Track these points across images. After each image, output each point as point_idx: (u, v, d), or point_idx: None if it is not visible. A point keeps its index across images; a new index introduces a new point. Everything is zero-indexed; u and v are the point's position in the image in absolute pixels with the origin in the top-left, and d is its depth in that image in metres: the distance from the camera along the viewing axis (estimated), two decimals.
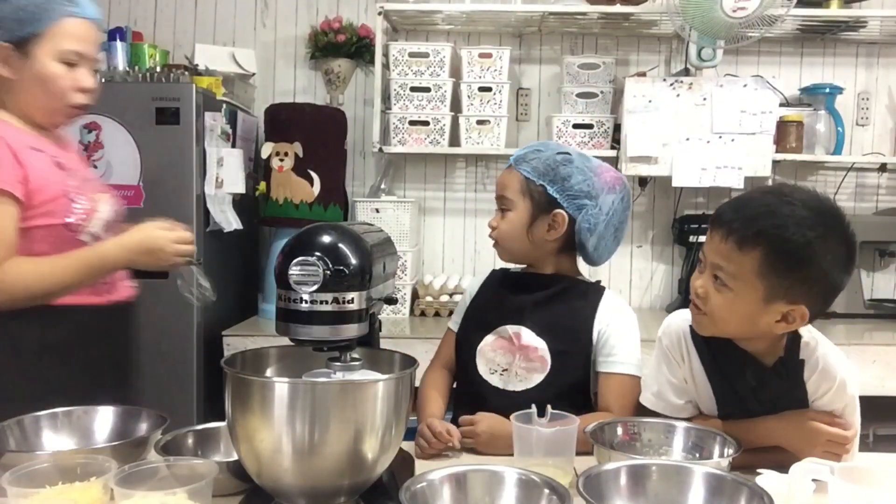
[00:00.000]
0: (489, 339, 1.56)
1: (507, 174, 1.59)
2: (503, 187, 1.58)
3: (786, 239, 1.16)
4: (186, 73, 2.68)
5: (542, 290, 1.57)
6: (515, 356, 1.53)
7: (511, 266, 1.67)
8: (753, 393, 1.32)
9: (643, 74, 2.96)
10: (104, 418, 1.27)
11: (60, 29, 1.51)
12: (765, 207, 1.19)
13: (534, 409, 1.26)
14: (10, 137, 1.47)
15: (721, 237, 1.21)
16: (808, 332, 1.31)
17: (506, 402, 1.44)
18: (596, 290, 1.60)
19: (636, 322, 1.61)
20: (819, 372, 1.29)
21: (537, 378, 1.52)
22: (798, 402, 1.31)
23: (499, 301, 1.60)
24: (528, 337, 1.53)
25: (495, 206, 1.61)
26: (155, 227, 1.55)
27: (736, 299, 1.21)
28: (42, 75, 1.51)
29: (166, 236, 1.53)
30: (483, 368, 1.56)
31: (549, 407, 1.26)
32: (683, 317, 1.40)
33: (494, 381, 1.55)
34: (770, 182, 3.05)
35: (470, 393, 1.56)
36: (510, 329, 1.54)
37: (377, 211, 2.83)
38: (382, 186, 3.08)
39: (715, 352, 1.34)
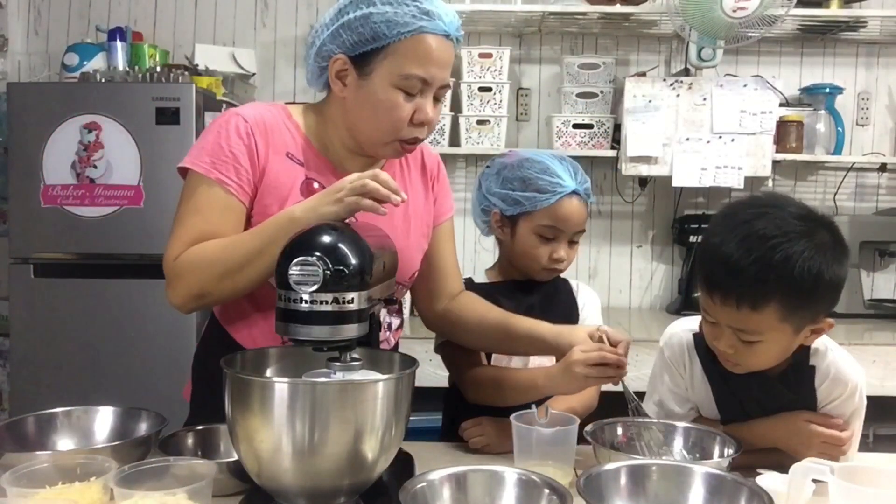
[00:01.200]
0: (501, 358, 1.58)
1: (581, 207, 1.58)
2: (585, 221, 1.59)
3: (794, 279, 1.14)
4: (186, 73, 2.69)
5: (532, 294, 1.61)
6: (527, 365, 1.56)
7: (472, 277, 1.67)
8: (759, 404, 1.32)
9: (643, 74, 2.96)
10: (104, 418, 1.27)
11: (408, 47, 1.23)
12: (758, 263, 1.14)
13: (534, 409, 1.26)
14: (264, 135, 1.29)
15: (730, 304, 1.17)
16: (819, 338, 1.30)
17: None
18: (564, 283, 1.67)
19: (599, 301, 1.71)
20: (831, 379, 1.29)
21: None
22: (805, 409, 1.31)
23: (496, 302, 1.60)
24: None
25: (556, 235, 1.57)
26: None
27: (769, 345, 1.21)
28: (376, 102, 1.26)
29: (348, 177, 1.20)
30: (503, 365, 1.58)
31: (547, 406, 1.26)
32: (685, 327, 1.40)
33: None
34: (770, 183, 3.06)
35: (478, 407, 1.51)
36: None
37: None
38: None
39: (719, 364, 1.32)
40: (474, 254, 3.19)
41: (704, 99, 2.79)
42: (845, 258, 1.19)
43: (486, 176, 1.65)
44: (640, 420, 1.34)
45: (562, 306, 1.64)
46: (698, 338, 1.36)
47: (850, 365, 1.31)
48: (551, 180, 1.54)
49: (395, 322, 1.46)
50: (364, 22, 1.23)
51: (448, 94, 2.86)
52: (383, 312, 1.37)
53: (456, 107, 2.94)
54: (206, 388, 1.39)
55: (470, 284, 1.62)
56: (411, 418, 1.08)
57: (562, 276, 1.66)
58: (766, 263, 1.14)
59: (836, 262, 1.17)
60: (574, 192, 1.55)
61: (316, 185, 1.32)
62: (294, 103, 1.41)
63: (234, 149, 1.27)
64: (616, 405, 1.38)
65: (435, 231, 1.49)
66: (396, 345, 1.50)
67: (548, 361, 1.50)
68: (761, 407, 1.32)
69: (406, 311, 2.85)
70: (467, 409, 1.51)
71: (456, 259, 1.54)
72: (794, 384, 1.30)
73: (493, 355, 1.58)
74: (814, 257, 1.14)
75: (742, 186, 2.81)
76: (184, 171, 1.31)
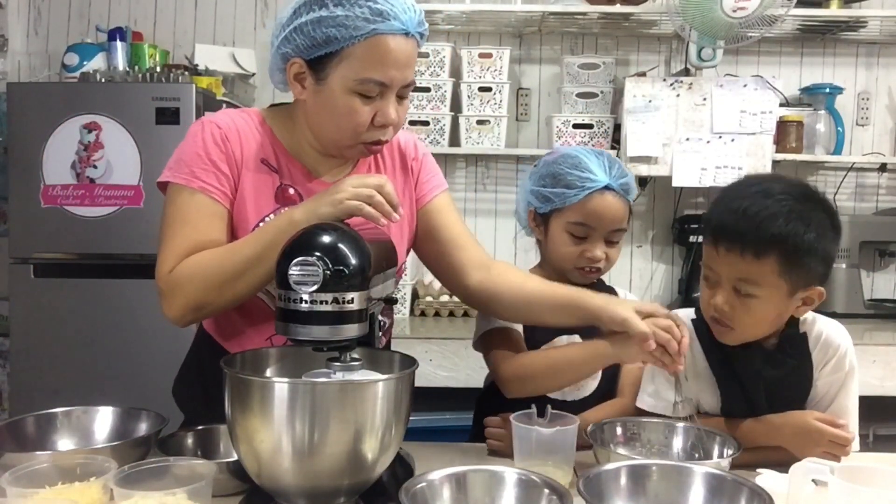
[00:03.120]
0: None
1: (617, 203, 1.50)
2: (622, 219, 1.51)
3: (796, 234, 1.23)
4: (186, 73, 2.69)
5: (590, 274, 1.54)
6: None
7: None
8: (760, 377, 1.33)
9: (643, 74, 2.96)
10: (104, 418, 1.27)
11: (364, 51, 1.19)
12: (764, 211, 1.23)
13: (534, 409, 1.26)
14: (237, 143, 1.28)
15: (734, 252, 1.25)
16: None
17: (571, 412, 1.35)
18: (609, 290, 1.62)
19: None
20: (822, 341, 1.35)
21: (592, 385, 1.51)
22: (804, 378, 1.34)
23: None
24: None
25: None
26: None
27: (764, 303, 1.27)
28: (333, 107, 1.23)
29: (351, 178, 1.19)
30: None
31: (548, 407, 1.26)
32: (685, 314, 1.40)
33: (553, 393, 1.48)
34: None
35: (523, 405, 1.39)
36: (565, 339, 1.50)
37: None
38: None
39: (719, 343, 1.35)
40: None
41: (704, 99, 2.79)
42: (838, 238, 1.29)
43: (530, 175, 1.59)
44: (639, 420, 1.34)
45: None
46: (697, 321, 1.39)
47: (837, 328, 1.38)
48: (581, 175, 1.48)
49: (386, 322, 1.46)
50: (316, 26, 1.19)
51: (448, 94, 2.88)
52: None
53: (456, 107, 2.94)
54: (196, 399, 1.38)
55: None
56: (413, 418, 1.08)
57: (607, 282, 1.61)
58: (772, 214, 1.23)
59: (830, 241, 1.27)
60: (607, 188, 1.48)
61: (291, 191, 1.31)
62: (267, 108, 1.39)
63: (213, 156, 1.26)
64: None
65: (429, 207, 1.44)
66: (388, 344, 1.49)
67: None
68: (763, 382, 1.34)
69: (405, 311, 2.86)
70: (503, 411, 1.48)
71: (466, 228, 1.47)
72: (791, 352, 1.34)
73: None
74: (811, 227, 1.24)
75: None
76: (163, 187, 1.30)
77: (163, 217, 1.29)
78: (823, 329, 1.37)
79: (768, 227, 1.22)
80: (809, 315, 1.36)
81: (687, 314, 1.40)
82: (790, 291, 1.27)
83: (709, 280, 1.32)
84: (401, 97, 1.26)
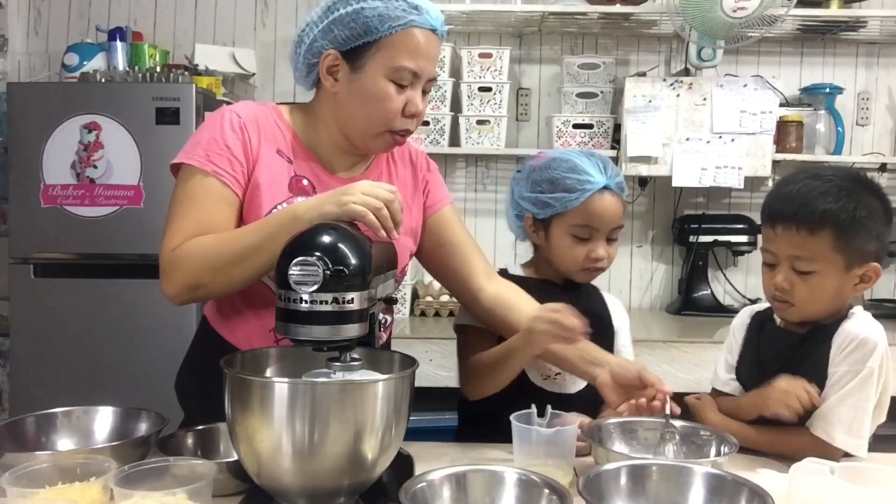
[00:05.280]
0: None
1: (615, 202, 1.54)
2: (621, 217, 1.55)
3: (846, 209, 1.30)
4: (186, 73, 2.69)
5: (564, 297, 1.54)
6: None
7: (508, 269, 1.64)
8: (780, 358, 1.39)
9: (643, 74, 2.96)
10: (104, 418, 1.27)
11: (399, 41, 1.26)
12: (815, 191, 1.32)
13: (533, 409, 1.26)
14: (255, 132, 1.31)
15: (790, 230, 1.33)
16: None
17: (566, 406, 1.37)
18: (594, 290, 1.66)
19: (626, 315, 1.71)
20: (845, 330, 1.35)
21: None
22: (821, 365, 1.34)
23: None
24: None
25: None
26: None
27: (822, 278, 1.33)
28: (368, 94, 1.28)
29: (363, 183, 1.21)
30: (535, 376, 1.54)
31: (549, 407, 1.26)
32: (752, 309, 1.53)
33: (549, 386, 1.53)
34: (770, 183, 3.06)
35: (525, 403, 1.38)
36: None
37: None
38: None
39: (760, 331, 1.47)
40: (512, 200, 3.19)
41: (704, 99, 2.79)
42: (890, 221, 1.35)
43: (517, 180, 1.61)
44: (640, 419, 1.34)
45: (593, 313, 1.54)
46: (758, 312, 1.50)
47: (871, 324, 1.38)
48: (580, 178, 1.50)
49: (388, 319, 1.47)
50: (356, 17, 1.26)
51: (448, 94, 2.88)
52: None
53: (456, 107, 2.94)
54: (197, 391, 1.38)
55: (504, 275, 1.58)
56: (413, 418, 1.08)
57: (607, 283, 1.66)
58: (823, 192, 1.31)
59: (882, 223, 1.34)
60: (605, 188, 1.51)
61: (305, 182, 1.34)
62: (285, 104, 1.43)
63: (229, 142, 1.28)
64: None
65: (437, 217, 1.48)
66: (388, 342, 1.50)
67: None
68: (781, 362, 1.38)
69: (405, 311, 2.86)
70: (475, 410, 1.49)
71: (472, 237, 1.52)
72: (818, 337, 1.37)
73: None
74: (861, 205, 1.31)
75: (742, 186, 2.81)
76: (176, 169, 1.31)
77: (172, 196, 1.30)
78: (856, 321, 1.37)
79: (820, 203, 1.30)
80: (858, 310, 1.39)
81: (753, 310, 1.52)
82: (846, 267, 1.32)
83: (768, 262, 1.38)
84: (424, 91, 1.34)
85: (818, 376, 1.34)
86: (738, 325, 1.53)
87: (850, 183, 1.33)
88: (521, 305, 1.44)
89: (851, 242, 1.31)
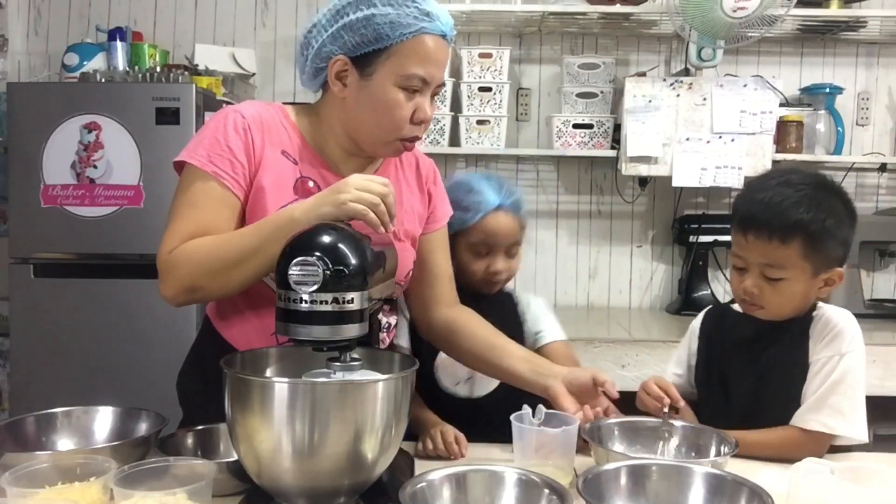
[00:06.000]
0: (444, 354, 1.58)
1: (510, 220, 1.65)
2: (516, 234, 1.66)
3: (817, 220, 1.33)
4: (186, 73, 2.69)
5: (479, 301, 1.62)
6: None
7: None
8: (748, 351, 1.42)
9: (643, 74, 2.96)
10: (104, 418, 1.27)
11: (410, 48, 1.25)
12: (787, 200, 1.34)
13: (527, 409, 1.26)
14: (260, 132, 1.30)
15: (762, 239, 1.35)
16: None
17: (475, 410, 1.47)
18: (508, 297, 1.74)
19: (544, 303, 1.77)
20: (823, 320, 1.40)
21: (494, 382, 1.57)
22: (801, 353, 1.39)
23: None
24: None
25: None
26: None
27: (791, 284, 1.37)
28: (377, 101, 1.27)
29: (354, 178, 1.19)
30: (446, 382, 1.60)
31: (541, 407, 1.26)
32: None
33: (461, 391, 1.59)
34: None
35: (435, 408, 1.51)
36: None
37: None
38: None
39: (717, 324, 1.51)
40: None
41: (704, 99, 2.79)
42: (854, 223, 1.39)
43: None
44: (639, 419, 1.34)
45: (506, 321, 1.63)
46: (715, 306, 1.57)
47: (845, 313, 1.42)
48: (475, 199, 1.61)
49: (392, 321, 1.47)
50: (366, 23, 1.24)
51: (448, 94, 2.88)
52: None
53: (456, 107, 2.94)
54: (198, 392, 1.39)
55: None
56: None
57: (505, 290, 1.72)
58: (795, 203, 1.34)
59: (847, 227, 1.37)
60: (500, 207, 1.62)
61: (311, 183, 1.33)
62: (291, 104, 1.41)
63: (231, 143, 1.28)
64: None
65: (430, 237, 1.49)
66: (391, 344, 1.50)
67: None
68: (748, 345, 1.42)
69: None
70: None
71: (451, 266, 1.55)
72: (792, 330, 1.40)
73: (436, 367, 1.61)
74: (830, 214, 1.35)
75: (742, 186, 2.81)
76: (179, 166, 1.31)
77: (174, 196, 1.30)
78: (830, 312, 1.42)
79: (792, 214, 1.33)
80: (824, 305, 1.44)
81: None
82: (814, 273, 1.36)
83: (737, 267, 1.41)
84: (433, 96, 1.33)
85: (793, 363, 1.38)
86: (697, 320, 1.58)
87: (819, 191, 1.36)
88: (474, 328, 1.47)
89: (820, 251, 1.35)
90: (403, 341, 1.63)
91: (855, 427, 1.34)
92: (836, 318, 1.40)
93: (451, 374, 1.58)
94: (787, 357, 1.39)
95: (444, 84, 1.34)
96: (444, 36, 1.28)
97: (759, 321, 1.42)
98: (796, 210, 1.33)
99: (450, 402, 1.52)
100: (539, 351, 1.65)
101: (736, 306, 1.48)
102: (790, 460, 1.11)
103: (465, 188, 1.64)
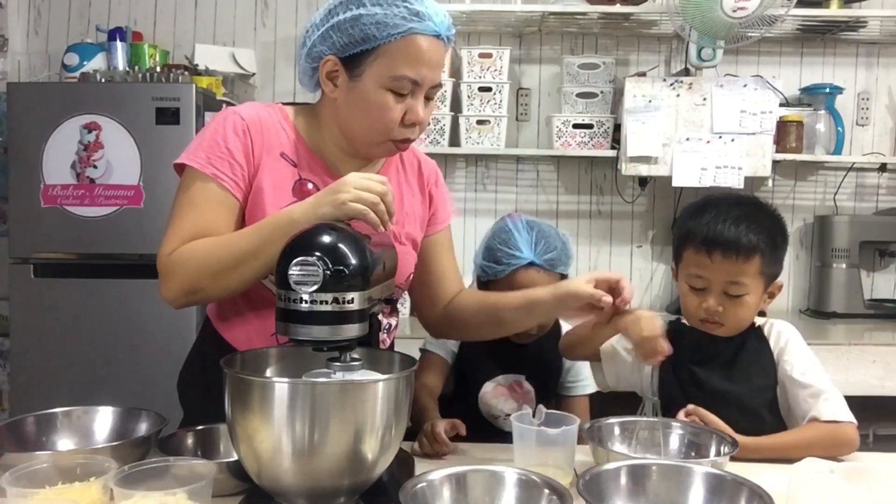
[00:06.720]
0: (489, 387, 1.63)
1: (540, 277, 1.63)
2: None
3: (771, 237, 1.43)
4: (186, 73, 2.69)
5: (525, 335, 1.63)
6: (519, 403, 1.61)
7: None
8: (725, 368, 1.47)
9: (643, 74, 2.96)
10: (104, 418, 1.27)
11: (399, 49, 1.22)
12: (745, 218, 1.42)
13: (527, 409, 1.26)
14: (259, 133, 1.30)
15: (729, 259, 1.41)
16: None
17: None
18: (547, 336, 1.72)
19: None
20: (772, 326, 1.51)
21: None
22: (766, 356, 1.47)
23: (488, 349, 1.64)
24: (526, 385, 1.65)
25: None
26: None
27: (750, 300, 1.44)
28: (366, 103, 1.25)
29: (352, 177, 1.17)
30: (488, 413, 1.65)
31: (541, 407, 1.26)
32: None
33: (500, 423, 1.63)
34: (770, 182, 3.07)
35: (481, 438, 1.49)
36: (511, 378, 1.64)
37: None
38: None
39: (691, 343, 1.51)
40: (474, 254, 3.19)
41: (704, 99, 2.79)
42: (786, 240, 1.50)
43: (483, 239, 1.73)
44: (638, 419, 1.34)
45: (543, 362, 1.67)
46: (670, 322, 1.55)
47: (783, 322, 1.53)
48: (508, 251, 1.60)
49: (392, 322, 1.47)
50: (354, 23, 1.22)
51: (448, 94, 2.88)
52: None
53: (456, 107, 2.94)
54: (198, 392, 1.39)
55: None
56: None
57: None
58: (755, 223, 1.43)
59: (785, 244, 1.49)
60: (531, 265, 1.60)
61: (310, 185, 1.32)
62: (291, 104, 1.41)
63: (231, 145, 1.27)
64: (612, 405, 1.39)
65: (433, 239, 1.49)
66: (392, 345, 1.50)
67: None
68: (722, 361, 1.47)
69: (406, 312, 2.86)
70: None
71: (456, 265, 1.54)
72: (757, 340, 1.49)
73: (480, 398, 1.64)
74: (778, 233, 1.46)
75: (742, 186, 2.81)
76: (180, 169, 1.31)
77: (174, 198, 1.30)
78: (776, 320, 1.53)
79: (753, 232, 1.42)
80: (757, 319, 1.53)
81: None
82: (765, 287, 1.47)
83: (696, 287, 1.46)
84: (428, 98, 1.29)
85: (768, 365, 1.46)
86: None
87: (761, 211, 1.47)
88: (468, 309, 1.47)
89: (771, 266, 1.45)
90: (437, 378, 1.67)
91: (848, 412, 1.38)
92: (777, 322, 1.51)
93: (492, 408, 1.64)
94: (757, 362, 1.47)
95: (440, 85, 1.30)
96: (438, 36, 1.24)
97: (730, 340, 1.47)
98: (758, 229, 1.42)
99: (494, 434, 1.55)
100: (569, 399, 1.70)
101: (685, 321, 1.52)
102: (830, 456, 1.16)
103: (502, 239, 1.63)
